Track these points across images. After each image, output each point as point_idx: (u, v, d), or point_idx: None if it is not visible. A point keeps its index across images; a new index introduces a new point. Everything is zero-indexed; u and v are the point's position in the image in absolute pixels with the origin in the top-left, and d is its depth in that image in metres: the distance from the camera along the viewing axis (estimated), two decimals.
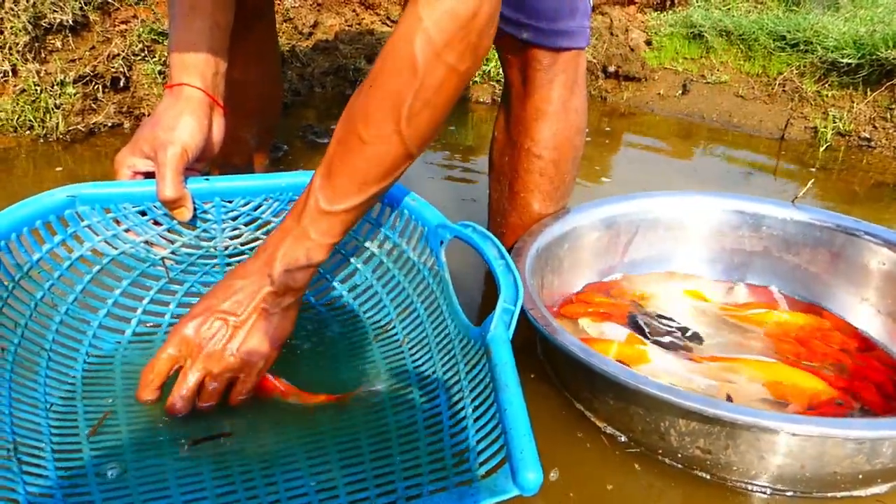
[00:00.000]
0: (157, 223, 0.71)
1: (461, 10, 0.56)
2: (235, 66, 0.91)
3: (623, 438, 0.73)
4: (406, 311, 0.75)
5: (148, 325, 0.74)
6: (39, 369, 0.63)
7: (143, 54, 1.60)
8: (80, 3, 1.55)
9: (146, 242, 0.72)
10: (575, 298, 0.95)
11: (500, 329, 0.58)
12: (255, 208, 0.75)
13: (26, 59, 1.51)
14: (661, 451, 0.70)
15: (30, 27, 1.49)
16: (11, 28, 1.48)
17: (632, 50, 2.12)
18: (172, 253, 0.74)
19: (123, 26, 1.64)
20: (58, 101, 1.48)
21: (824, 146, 1.69)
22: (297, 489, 0.58)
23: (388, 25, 2.14)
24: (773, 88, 1.93)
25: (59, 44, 1.57)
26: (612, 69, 2.03)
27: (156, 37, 1.63)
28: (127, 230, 0.70)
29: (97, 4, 1.59)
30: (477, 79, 1.95)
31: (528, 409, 0.52)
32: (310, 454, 0.61)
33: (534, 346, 0.88)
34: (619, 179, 1.49)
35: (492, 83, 1.95)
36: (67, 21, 1.53)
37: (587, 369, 0.67)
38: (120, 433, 0.62)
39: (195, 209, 0.70)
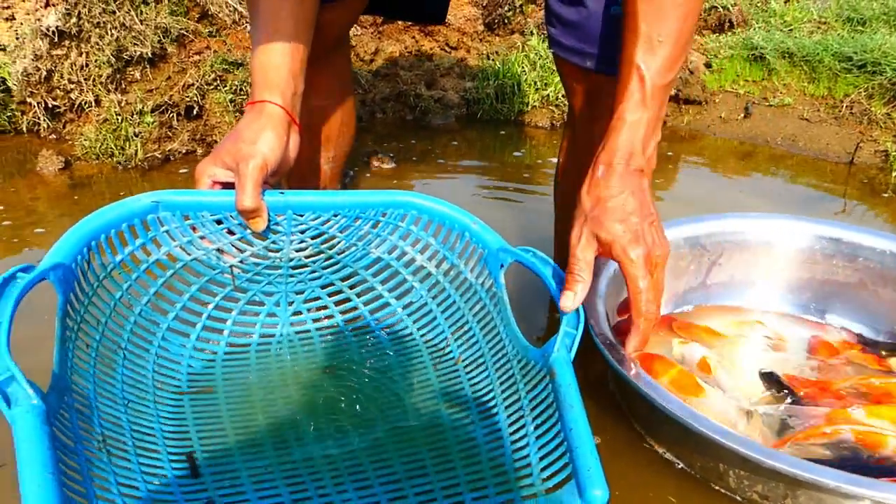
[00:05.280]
0: (230, 232, 0.74)
1: None
2: (316, 93, 0.95)
3: (680, 465, 0.73)
4: (461, 331, 0.78)
5: (211, 330, 0.78)
6: (116, 367, 0.66)
7: (215, 84, 1.67)
8: (158, 36, 1.63)
9: (218, 250, 0.75)
10: (675, 325, 0.94)
11: (562, 352, 0.60)
12: (324, 223, 0.77)
13: (108, 90, 1.60)
14: (720, 487, 0.69)
15: (113, 60, 1.58)
16: (96, 61, 1.57)
17: (691, 73, 2.10)
18: (241, 262, 0.77)
19: (197, 57, 1.72)
20: (137, 130, 1.55)
21: None
22: (369, 497, 0.60)
23: (446, 51, 2.18)
24: (839, 111, 1.89)
25: (138, 75, 1.65)
26: (672, 92, 2.01)
27: (227, 66, 1.70)
28: (202, 237, 0.73)
29: (174, 37, 1.67)
30: (536, 103, 1.96)
31: (592, 428, 0.54)
32: (375, 465, 0.64)
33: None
34: (682, 204, 1.48)
35: (550, 108, 1.96)
36: (147, 53, 1.61)
37: (649, 403, 0.67)
38: (188, 433, 0.66)
39: (268, 220, 0.73)
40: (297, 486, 0.62)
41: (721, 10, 2.43)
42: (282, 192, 0.73)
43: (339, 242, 0.80)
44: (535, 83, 1.97)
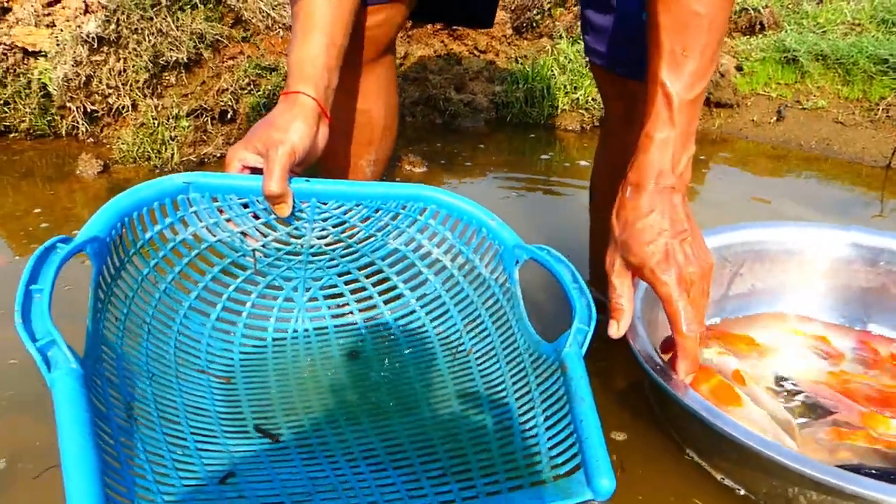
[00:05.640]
0: (256, 216, 0.76)
1: None
2: (361, 96, 0.96)
3: (742, 492, 0.71)
4: (473, 324, 0.79)
5: (229, 311, 0.80)
6: (142, 341, 0.68)
7: (248, 88, 1.70)
8: (194, 41, 1.66)
9: (242, 233, 0.76)
10: (713, 334, 0.94)
11: (574, 347, 0.62)
12: (346, 212, 0.79)
13: (145, 95, 1.63)
14: None
15: (150, 65, 1.61)
16: (133, 66, 1.60)
17: (722, 75, 2.09)
18: (263, 246, 0.78)
19: (231, 62, 1.74)
20: (173, 134, 1.58)
21: None
22: (384, 478, 0.62)
23: (475, 55, 2.18)
24: (875, 114, 1.86)
25: (173, 80, 1.68)
26: (702, 103, 2.00)
27: (260, 71, 1.73)
28: (228, 220, 0.75)
29: (209, 42, 1.70)
30: (566, 107, 1.96)
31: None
32: (387, 449, 0.66)
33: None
34: (714, 209, 1.46)
35: (580, 111, 1.96)
36: (182, 59, 1.64)
37: (708, 428, 0.65)
38: (209, 410, 0.69)
39: (293, 206, 0.75)
40: (313, 462, 0.65)
41: (752, 11, 2.40)
42: (307, 180, 0.75)
43: (358, 232, 0.81)
44: (565, 86, 1.96)
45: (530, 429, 0.65)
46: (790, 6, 2.57)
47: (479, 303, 0.79)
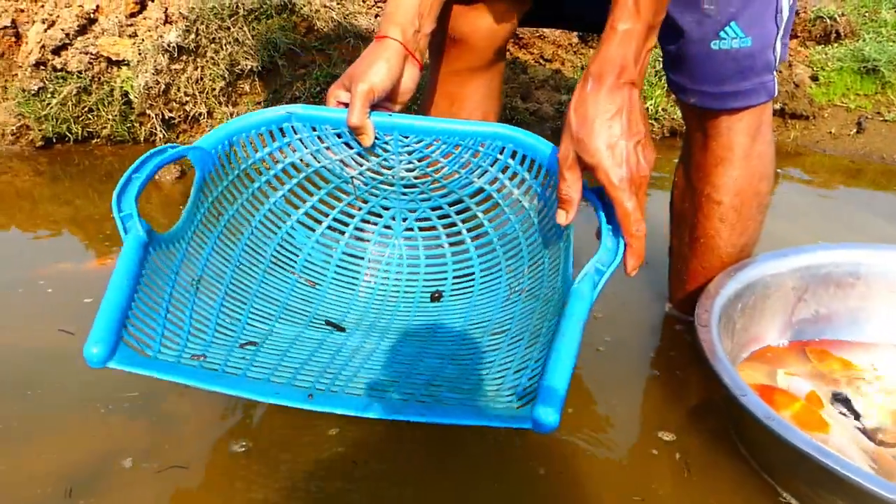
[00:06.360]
0: (349, 146, 0.82)
1: None
2: (460, 104, 0.99)
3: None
4: (536, 265, 0.82)
5: (334, 230, 0.91)
6: (241, 237, 0.82)
7: (320, 96, 1.73)
8: (269, 50, 1.70)
9: (341, 161, 0.84)
10: (809, 350, 0.91)
11: (584, 284, 0.61)
12: (426, 147, 0.82)
13: (220, 103, 1.68)
14: None
15: (226, 73, 1.65)
16: (210, 75, 1.65)
17: (796, 86, 2.02)
18: (360, 175, 0.86)
19: (303, 70, 1.77)
20: None
21: None
22: (370, 370, 0.70)
23: (541, 64, 2.17)
24: None
25: (247, 88, 1.72)
26: (776, 107, 1.94)
27: (332, 80, 1.75)
28: (327, 148, 0.82)
29: (283, 51, 1.74)
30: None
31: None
32: (396, 359, 0.73)
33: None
34: (789, 224, 1.42)
35: (649, 121, 1.92)
36: (257, 67, 1.68)
37: (804, 460, 0.62)
38: (279, 303, 0.82)
39: (377, 139, 0.80)
40: (325, 353, 0.74)
41: (827, 20, 2.33)
42: (389, 115, 0.80)
43: (443, 168, 0.84)
44: None
45: (524, 363, 0.66)
46: (867, 14, 2.48)
47: (545, 246, 0.80)
